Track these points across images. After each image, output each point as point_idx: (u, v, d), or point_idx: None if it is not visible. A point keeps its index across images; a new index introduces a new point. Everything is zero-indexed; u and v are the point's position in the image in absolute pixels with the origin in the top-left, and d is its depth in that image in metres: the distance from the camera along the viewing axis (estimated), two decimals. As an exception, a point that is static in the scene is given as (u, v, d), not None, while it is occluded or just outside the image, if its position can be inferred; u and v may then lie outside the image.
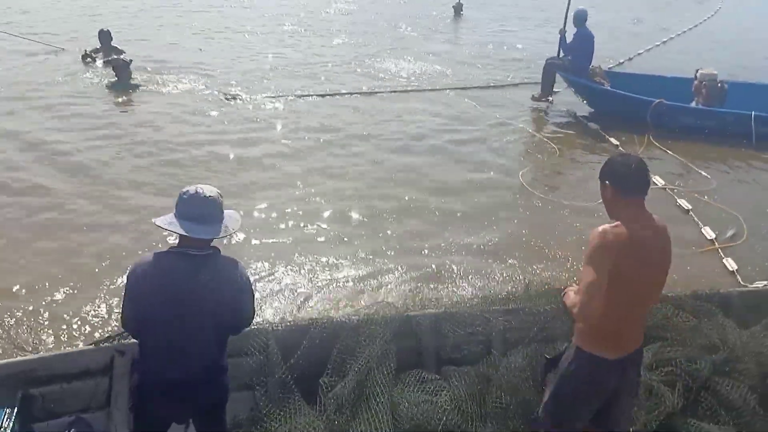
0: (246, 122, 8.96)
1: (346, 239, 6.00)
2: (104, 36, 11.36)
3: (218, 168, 7.45)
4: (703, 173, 7.78)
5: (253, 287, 2.88)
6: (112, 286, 5.07)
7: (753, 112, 8.59)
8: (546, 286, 4.34)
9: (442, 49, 13.81)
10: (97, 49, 11.42)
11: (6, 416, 3.04)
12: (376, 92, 10.58)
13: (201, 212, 2.67)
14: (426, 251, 5.85)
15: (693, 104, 9.31)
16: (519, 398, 3.40)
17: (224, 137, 8.36)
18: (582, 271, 2.62)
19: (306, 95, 10.17)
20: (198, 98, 9.82)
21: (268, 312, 4.84)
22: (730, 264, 5.75)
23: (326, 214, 6.50)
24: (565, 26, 9.74)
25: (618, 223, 2.63)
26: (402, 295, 5.08)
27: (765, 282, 5.29)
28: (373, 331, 3.64)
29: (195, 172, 7.20)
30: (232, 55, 12.52)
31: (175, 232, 2.66)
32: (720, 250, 6.03)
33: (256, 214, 6.40)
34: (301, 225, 6.24)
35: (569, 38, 9.70)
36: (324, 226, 6.25)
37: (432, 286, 5.28)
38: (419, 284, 5.32)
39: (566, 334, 3.48)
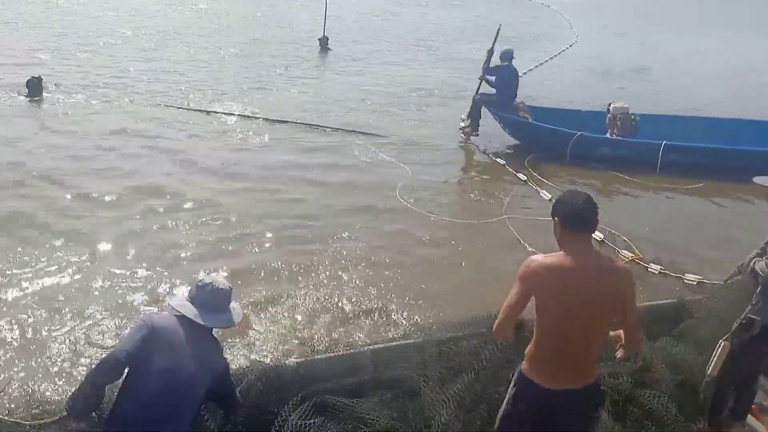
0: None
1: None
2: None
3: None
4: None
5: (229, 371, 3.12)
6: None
7: (664, 142, 9.15)
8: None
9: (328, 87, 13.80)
10: None
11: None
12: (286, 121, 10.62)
13: (212, 302, 2.97)
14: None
15: (608, 135, 9.89)
16: None
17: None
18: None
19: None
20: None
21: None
22: (654, 267, 6.46)
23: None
24: (493, 47, 10.11)
25: (553, 254, 2.74)
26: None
27: (698, 276, 6.12)
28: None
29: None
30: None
31: (186, 315, 2.92)
32: (641, 261, 6.62)
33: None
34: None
35: (494, 74, 10.07)
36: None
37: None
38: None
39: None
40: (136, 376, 2.82)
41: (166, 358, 2.80)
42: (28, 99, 10.75)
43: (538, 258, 2.75)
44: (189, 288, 3.07)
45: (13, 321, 5.02)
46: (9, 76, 11.83)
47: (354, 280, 5.93)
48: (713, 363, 3.96)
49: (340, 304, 5.55)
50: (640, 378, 3.95)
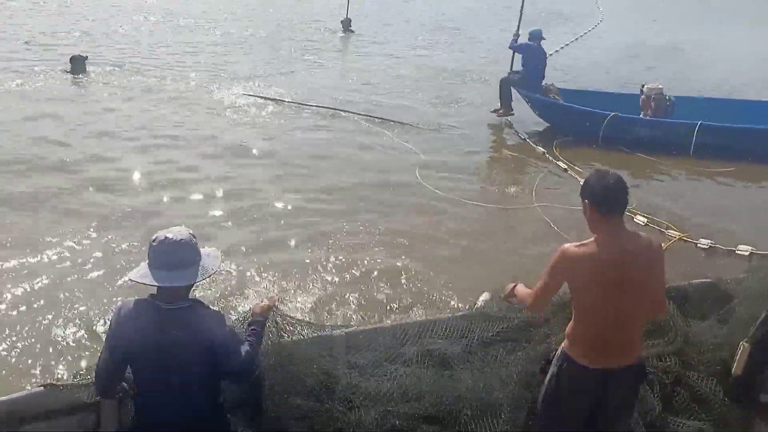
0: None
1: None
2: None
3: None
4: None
5: (237, 339, 2.70)
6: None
7: (699, 122, 8.91)
8: None
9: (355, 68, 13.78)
10: None
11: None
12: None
13: (172, 259, 2.48)
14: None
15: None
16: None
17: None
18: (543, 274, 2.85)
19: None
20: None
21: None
22: (703, 242, 6.51)
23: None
24: (519, 25, 10.19)
25: (586, 241, 2.72)
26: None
27: (750, 248, 6.25)
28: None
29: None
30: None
31: (149, 285, 2.49)
32: (689, 238, 6.64)
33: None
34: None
35: (521, 51, 10.06)
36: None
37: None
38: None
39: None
40: (135, 377, 2.62)
41: (138, 348, 2.49)
42: (72, 75, 11.47)
43: (572, 248, 2.71)
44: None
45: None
46: (52, 54, 12.77)
47: (379, 260, 5.90)
48: (736, 363, 3.92)
49: (365, 282, 5.54)
50: (687, 360, 3.92)
